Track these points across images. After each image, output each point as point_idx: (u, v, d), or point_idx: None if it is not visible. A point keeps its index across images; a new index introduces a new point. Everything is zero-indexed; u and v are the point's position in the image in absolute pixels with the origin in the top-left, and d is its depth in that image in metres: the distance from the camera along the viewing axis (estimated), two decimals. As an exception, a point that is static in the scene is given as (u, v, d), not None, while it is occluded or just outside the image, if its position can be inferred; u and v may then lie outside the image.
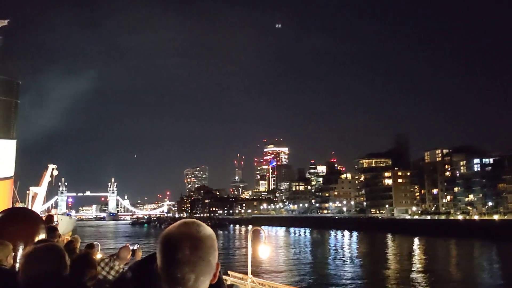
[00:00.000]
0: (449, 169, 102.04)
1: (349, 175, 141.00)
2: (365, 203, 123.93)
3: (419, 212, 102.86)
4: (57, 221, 18.71)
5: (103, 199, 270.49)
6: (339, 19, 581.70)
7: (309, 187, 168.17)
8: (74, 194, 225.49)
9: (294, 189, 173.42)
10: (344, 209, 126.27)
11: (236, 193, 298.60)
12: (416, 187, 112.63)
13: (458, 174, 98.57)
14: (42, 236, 3.17)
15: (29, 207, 29.00)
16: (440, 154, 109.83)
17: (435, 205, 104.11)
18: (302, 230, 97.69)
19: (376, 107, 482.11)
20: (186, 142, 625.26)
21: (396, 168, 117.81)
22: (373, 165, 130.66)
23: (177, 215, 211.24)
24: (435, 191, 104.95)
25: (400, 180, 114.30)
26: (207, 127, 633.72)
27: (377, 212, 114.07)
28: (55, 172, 41.13)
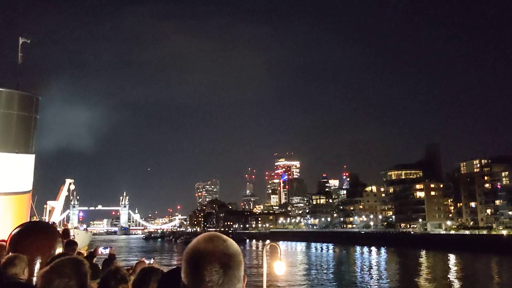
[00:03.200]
0: (488, 180, 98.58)
1: (374, 188, 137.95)
2: (394, 217, 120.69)
3: (455, 226, 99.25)
4: (73, 235, 19.37)
5: (113, 213, 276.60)
6: (355, 30, 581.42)
7: (330, 200, 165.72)
8: (86, 208, 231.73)
9: (314, 202, 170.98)
10: (371, 223, 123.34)
11: (247, 207, 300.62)
12: (450, 200, 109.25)
13: (499, 186, 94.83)
14: (59, 250, 3.39)
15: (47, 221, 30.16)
16: (478, 165, 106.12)
17: (473, 220, 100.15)
18: (324, 245, 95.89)
19: (393, 120, 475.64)
20: (196, 156, 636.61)
21: (427, 180, 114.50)
22: (403, 177, 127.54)
23: (189, 229, 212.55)
24: (473, 204, 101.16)
25: (433, 193, 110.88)
26: (218, 141, 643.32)
27: (408, 226, 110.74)
28: (72, 187, 42.88)
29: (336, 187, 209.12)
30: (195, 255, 1.09)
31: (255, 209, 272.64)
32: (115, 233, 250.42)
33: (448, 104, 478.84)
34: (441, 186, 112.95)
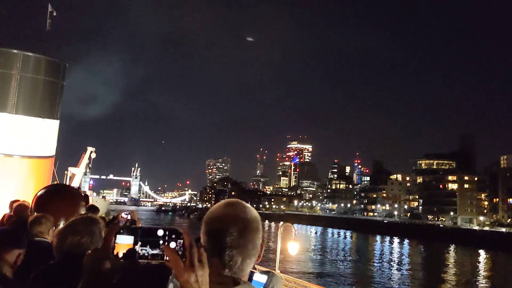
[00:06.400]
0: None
1: (399, 176, 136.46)
2: (420, 208, 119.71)
3: (490, 222, 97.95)
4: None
5: (123, 183, 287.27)
6: (382, 15, 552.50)
7: (350, 186, 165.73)
8: (98, 177, 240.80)
9: (333, 187, 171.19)
10: (395, 213, 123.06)
11: (256, 187, 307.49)
12: (484, 194, 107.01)
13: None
14: (82, 212, 3.72)
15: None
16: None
17: (510, 217, 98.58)
18: (341, 231, 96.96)
19: (423, 109, 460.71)
20: (209, 133, 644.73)
21: (461, 172, 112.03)
22: (434, 167, 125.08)
23: (200, 205, 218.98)
24: (511, 200, 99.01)
25: (466, 186, 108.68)
26: (232, 119, 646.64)
27: (436, 219, 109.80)
28: (93, 155, 45.33)
29: (347, 173, 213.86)
30: (213, 217, 1.21)
31: (265, 189, 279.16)
32: (124, 203, 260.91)
33: (486, 94, 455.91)
34: (476, 179, 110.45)
